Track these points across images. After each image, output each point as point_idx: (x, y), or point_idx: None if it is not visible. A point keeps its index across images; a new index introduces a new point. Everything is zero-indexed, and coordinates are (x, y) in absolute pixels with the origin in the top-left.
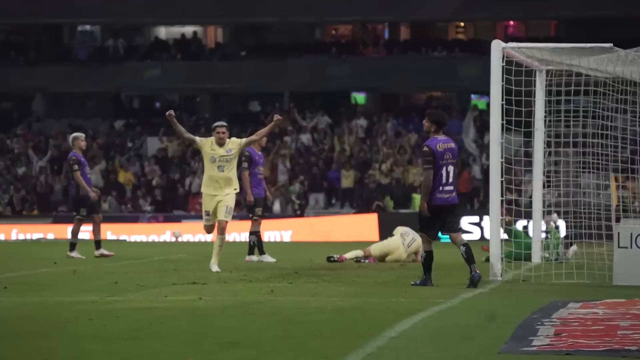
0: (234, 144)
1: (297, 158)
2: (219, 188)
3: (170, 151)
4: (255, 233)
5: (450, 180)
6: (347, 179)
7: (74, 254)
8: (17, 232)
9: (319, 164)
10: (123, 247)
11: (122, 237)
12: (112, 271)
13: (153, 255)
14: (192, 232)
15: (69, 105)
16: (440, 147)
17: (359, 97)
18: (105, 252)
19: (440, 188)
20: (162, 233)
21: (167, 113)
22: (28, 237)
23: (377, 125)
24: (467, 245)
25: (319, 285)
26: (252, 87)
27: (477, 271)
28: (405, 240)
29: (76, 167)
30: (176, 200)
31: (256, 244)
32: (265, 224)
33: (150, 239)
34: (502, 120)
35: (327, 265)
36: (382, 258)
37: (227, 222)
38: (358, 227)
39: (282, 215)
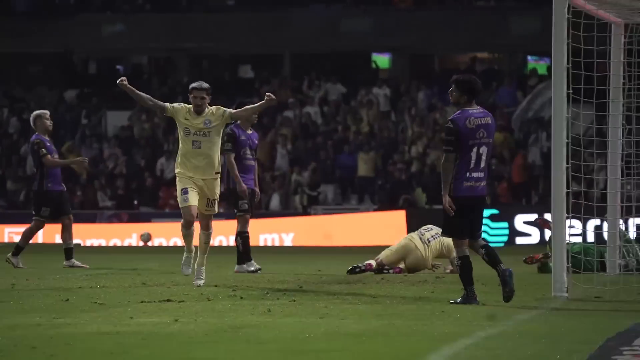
0: (216, 114)
1: (301, 139)
2: (197, 170)
3: (137, 130)
4: (242, 234)
5: (482, 165)
6: (365, 166)
7: (15, 260)
8: None
9: (328, 146)
10: (76, 254)
11: (75, 241)
12: (62, 285)
13: (115, 264)
14: (165, 235)
15: (6, 70)
16: (471, 122)
17: (382, 60)
18: (78, 263)
19: (468, 174)
20: (126, 236)
21: (118, 81)
22: None
23: (404, 97)
24: (486, 246)
25: (330, 304)
26: (243, 46)
27: (507, 268)
28: (424, 235)
29: (44, 150)
30: (144, 193)
31: (240, 248)
32: (261, 224)
33: (111, 244)
34: (568, 89)
35: (340, 278)
36: (409, 269)
37: (210, 215)
38: (380, 228)
39: (282, 212)
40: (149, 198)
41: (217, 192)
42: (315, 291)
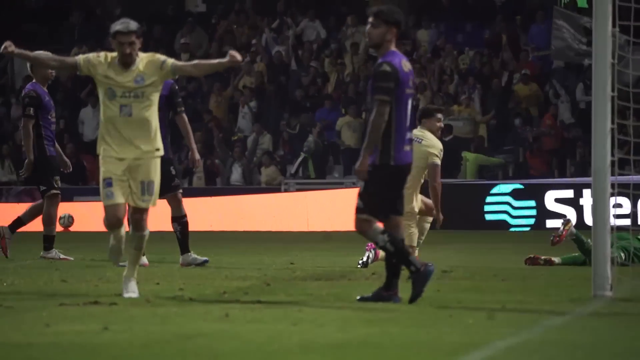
0: (152, 66)
1: (268, 94)
2: (127, 146)
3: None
4: (178, 219)
5: (409, 124)
6: (350, 131)
7: (54, 253)
8: None
9: (304, 103)
10: None
11: None
12: None
13: (26, 255)
14: (90, 218)
15: None
16: (405, 66)
17: None
18: (62, 255)
19: (406, 135)
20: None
21: (1, 49)
22: None
23: (402, 38)
24: (391, 235)
25: (306, 306)
26: None
27: (429, 263)
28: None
29: (31, 111)
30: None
31: (178, 237)
32: (217, 203)
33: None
34: (614, 26)
35: (318, 273)
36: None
37: (146, 209)
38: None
39: (244, 189)
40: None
41: (157, 174)
42: (286, 290)
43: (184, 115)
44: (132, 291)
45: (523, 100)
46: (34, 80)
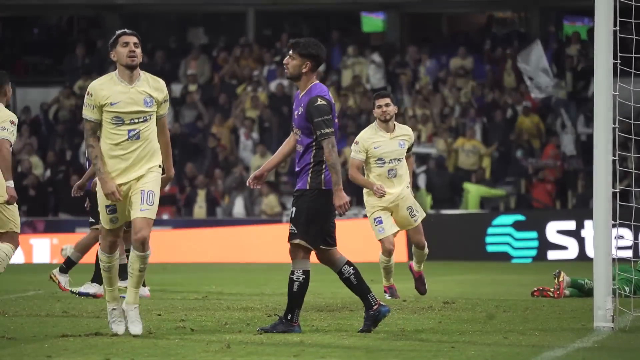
0: (157, 86)
1: (271, 122)
2: (131, 168)
3: (54, 111)
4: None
5: None
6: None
7: (64, 278)
8: None
9: None
10: None
11: None
12: None
13: (28, 286)
14: (92, 249)
15: None
16: (332, 97)
17: (374, 22)
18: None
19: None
20: (42, 250)
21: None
22: None
23: (402, 68)
24: (353, 265)
25: (307, 338)
26: (191, 3)
27: (383, 304)
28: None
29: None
30: (64, 195)
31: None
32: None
33: (21, 260)
34: (615, 58)
35: (320, 304)
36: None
37: (148, 221)
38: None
39: (248, 220)
40: (70, 201)
41: (158, 186)
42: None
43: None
44: (135, 322)
45: (525, 132)
46: None
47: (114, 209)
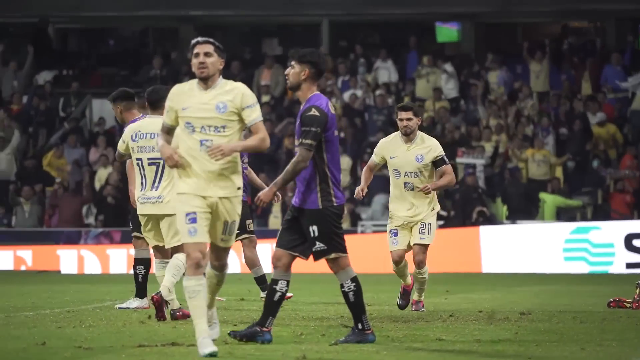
0: (234, 93)
1: (343, 134)
2: (209, 181)
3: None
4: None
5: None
6: None
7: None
8: None
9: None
10: (52, 283)
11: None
12: (36, 324)
13: (105, 296)
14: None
15: None
16: (332, 109)
17: (449, 32)
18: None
19: (339, 177)
20: (119, 260)
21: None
22: None
23: (475, 78)
24: (356, 280)
25: (383, 348)
26: (266, 14)
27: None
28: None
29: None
30: None
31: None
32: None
33: (98, 270)
34: None
35: (395, 314)
36: None
37: (227, 249)
38: (448, 250)
39: None
40: None
41: (239, 211)
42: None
43: None
44: (206, 350)
45: (602, 143)
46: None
47: (194, 219)
